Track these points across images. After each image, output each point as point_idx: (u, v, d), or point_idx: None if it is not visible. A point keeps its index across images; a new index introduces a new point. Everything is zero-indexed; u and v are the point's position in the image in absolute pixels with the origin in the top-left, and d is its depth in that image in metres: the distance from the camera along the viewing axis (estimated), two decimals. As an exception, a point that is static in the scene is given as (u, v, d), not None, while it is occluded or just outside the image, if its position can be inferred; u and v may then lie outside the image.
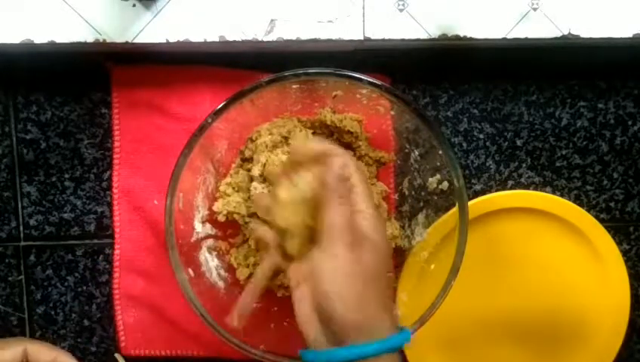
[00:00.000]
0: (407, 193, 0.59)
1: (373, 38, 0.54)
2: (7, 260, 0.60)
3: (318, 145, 0.48)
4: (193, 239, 0.56)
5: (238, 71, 0.59)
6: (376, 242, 0.44)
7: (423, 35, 0.55)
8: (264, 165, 0.54)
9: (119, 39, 0.53)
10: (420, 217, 0.58)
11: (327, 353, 0.41)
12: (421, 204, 0.58)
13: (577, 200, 0.62)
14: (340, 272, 0.42)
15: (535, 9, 0.55)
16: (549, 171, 0.62)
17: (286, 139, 0.55)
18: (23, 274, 0.61)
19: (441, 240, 0.56)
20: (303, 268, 0.45)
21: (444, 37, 0.55)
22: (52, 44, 0.53)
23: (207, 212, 0.57)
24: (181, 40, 0.53)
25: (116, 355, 0.61)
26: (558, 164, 0.62)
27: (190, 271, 0.53)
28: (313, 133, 0.57)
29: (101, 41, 0.53)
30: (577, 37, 0.55)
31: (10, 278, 0.61)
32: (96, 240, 0.61)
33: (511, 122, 0.62)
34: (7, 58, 0.57)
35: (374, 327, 0.42)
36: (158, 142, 0.59)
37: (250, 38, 0.54)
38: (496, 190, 0.62)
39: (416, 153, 0.56)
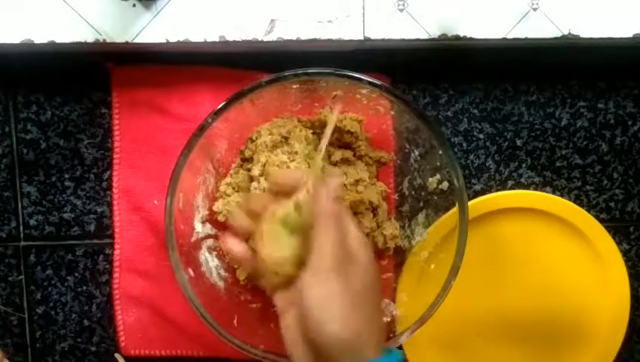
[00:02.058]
0: (407, 193, 0.59)
1: (373, 38, 0.54)
2: (7, 260, 0.60)
3: (297, 173, 0.47)
4: (193, 239, 0.56)
5: (238, 71, 0.59)
6: (365, 263, 0.44)
7: (423, 35, 0.55)
8: (264, 165, 0.54)
9: (119, 39, 0.53)
10: (420, 217, 0.58)
11: None
12: (421, 203, 0.58)
13: (577, 200, 0.62)
14: (329, 296, 0.41)
15: (535, 9, 0.55)
16: (549, 171, 0.62)
17: (286, 139, 0.55)
18: (23, 274, 0.61)
19: (441, 240, 0.56)
20: (290, 294, 0.45)
21: (444, 37, 0.55)
22: (52, 44, 0.53)
23: (207, 212, 0.57)
24: (181, 40, 0.53)
25: (116, 355, 0.61)
26: (558, 164, 0.62)
27: (190, 271, 0.53)
28: (313, 134, 0.57)
29: (101, 41, 0.53)
30: (577, 37, 0.55)
31: (10, 278, 0.61)
32: (96, 240, 0.61)
33: (511, 122, 0.62)
34: (7, 58, 0.57)
35: (363, 350, 0.41)
36: (158, 142, 0.59)
37: (250, 38, 0.54)
38: (497, 190, 0.62)
39: (416, 153, 0.56)
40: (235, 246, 0.47)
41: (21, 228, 0.60)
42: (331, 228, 0.43)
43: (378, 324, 0.44)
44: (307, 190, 0.44)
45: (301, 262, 0.44)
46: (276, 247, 0.44)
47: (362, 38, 0.54)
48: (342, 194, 0.46)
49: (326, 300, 0.41)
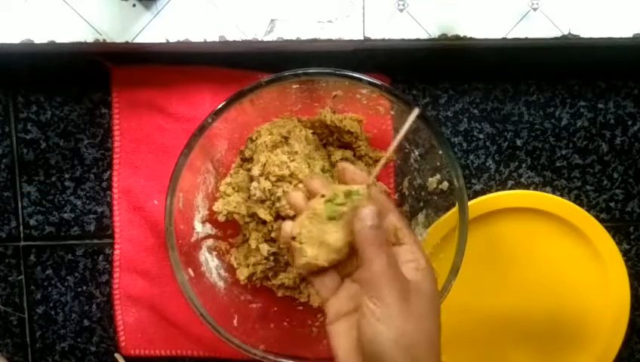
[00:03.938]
0: (407, 193, 0.59)
1: (373, 38, 0.54)
2: (7, 260, 0.60)
3: (364, 175, 0.46)
4: (193, 239, 0.56)
5: (238, 71, 0.59)
6: (427, 292, 0.42)
7: (423, 35, 0.55)
8: (264, 165, 0.54)
9: (119, 39, 0.53)
10: (420, 217, 0.58)
11: None
12: (421, 203, 0.58)
13: (577, 200, 0.62)
14: (394, 324, 0.40)
15: (535, 9, 0.55)
16: (549, 171, 0.62)
17: (286, 139, 0.55)
18: (23, 274, 0.61)
19: (441, 240, 0.56)
20: (344, 303, 0.44)
21: (444, 37, 0.55)
22: (52, 44, 0.53)
23: (207, 212, 0.57)
24: (181, 40, 0.53)
25: (116, 355, 0.61)
26: (558, 164, 0.62)
27: (190, 271, 0.53)
28: (313, 134, 0.57)
29: (101, 41, 0.53)
30: (577, 37, 0.55)
31: (10, 278, 0.61)
32: (96, 240, 0.61)
33: (511, 122, 0.62)
34: (7, 58, 0.57)
35: None
36: (158, 142, 0.59)
37: (250, 38, 0.54)
38: (496, 190, 0.62)
39: (416, 153, 0.56)
40: (298, 198, 0.46)
41: (21, 228, 0.60)
42: (375, 255, 0.41)
43: (439, 349, 0.43)
44: (367, 185, 0.44)
45: (331, 254, 0.43)
46: (309, 226, 0.43)
47: (362, 38, 0.54)
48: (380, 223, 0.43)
49: (390, 328, 0.40)
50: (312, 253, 0.43)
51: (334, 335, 0.43)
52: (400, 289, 0.41)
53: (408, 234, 0.45)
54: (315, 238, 0.43)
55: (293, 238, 0.44)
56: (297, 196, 0.46)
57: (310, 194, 0.46)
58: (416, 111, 0.46)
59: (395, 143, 0.45)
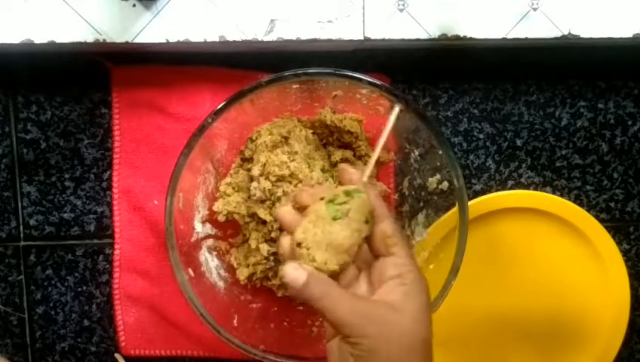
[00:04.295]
0: (407, 193, 0.59)
1: (373, 38, 0.54)
2: (7, 260, 0.60)
3: (358, 173, 0.44)
4: (193, 239, 0.56)
5: (238, 71, 0.59)
6: (411, 311, 0.41)
7: (423, 35, 0.55)
8: (264, 165, 0.54)
9: (119, 39, 0.53)
10: (420, 217, 0.58)
11: None
12: (421, 203, 0.58)
13: (577, 200, 0.62)
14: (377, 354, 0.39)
15: (535, 9, 0.55)
16: (549, 171, 0.62)
17: (286, 139, 0.55)
18: (23, 274, 0.61)
19: (441, 240, 0.56)
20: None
21: (444, 37, 0.55)
22: (52, 44, 0.53)
23: (207, 212, 0.57)
24: (181, 40, 0.53)
25: (116, 355, 0.61)
26: (558, 164, 0.62)
27: (190, 271, 0.53)
28: (313, 134, 0.57)
29: (101, 41, 0.53)
30: (577, 37, 0.55)
31: (10, 278, 0.61)
32: (96, 240, 0.61)
33: (511, 122, 0.62)
34: (7, 58, 0.57)
35: None
36: (158, 142, 0.59)
37: (250, 38, 0.54)
38: (496, 190, 0.62)
39: (416, 153, 0.56)
40: (287, 214, 0.44)
41: (21, 228, 0.60)
42: (333, 304, 0.39)
43: None
44: (363, 183, 0.43)
45: (341, 255, 0.42)
46: (313, 230, 0.42)
47: (362, 38, 0.54)
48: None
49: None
50: (321, 258, 0.41)
51: (331, 354, 0.43)
52: (377, 323, 0.39)
53: (398, 243, 0.43)
54: (321, 242, 0.42)
55: (298, 245, 0.42)
56: (285, 211, 0.44)
57: (302, 208, 0.44)
58: (396, 110, 0.46)
59: (381, 142, 0.45)
